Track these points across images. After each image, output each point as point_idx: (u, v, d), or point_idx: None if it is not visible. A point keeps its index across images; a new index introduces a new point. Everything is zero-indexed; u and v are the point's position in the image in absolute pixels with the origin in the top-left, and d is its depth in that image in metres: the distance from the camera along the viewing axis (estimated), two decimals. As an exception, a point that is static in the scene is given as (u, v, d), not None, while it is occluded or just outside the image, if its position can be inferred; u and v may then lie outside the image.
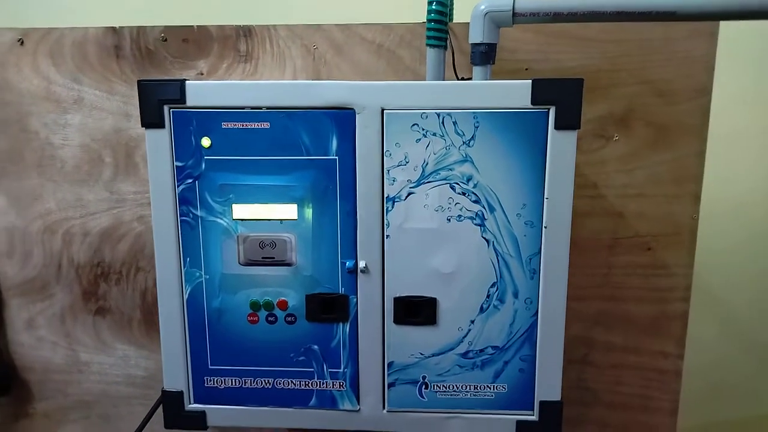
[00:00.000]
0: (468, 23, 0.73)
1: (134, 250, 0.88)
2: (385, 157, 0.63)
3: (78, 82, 0.83)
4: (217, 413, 0.71)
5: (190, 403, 0.71)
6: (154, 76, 0.82)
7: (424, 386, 0.68)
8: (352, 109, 0.63)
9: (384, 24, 0.79)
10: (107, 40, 0.82)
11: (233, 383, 0.70)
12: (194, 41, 0.81)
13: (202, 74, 0.82)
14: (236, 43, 0.81)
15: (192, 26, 0.81)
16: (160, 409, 0.75)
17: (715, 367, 1.18)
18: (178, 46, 0.81)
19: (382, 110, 0.62)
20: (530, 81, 0.60)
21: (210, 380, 0.70)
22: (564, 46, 0.77)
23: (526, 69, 0.78)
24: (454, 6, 0.77)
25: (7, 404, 0.94)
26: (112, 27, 0.82)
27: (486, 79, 0.70)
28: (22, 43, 0.83)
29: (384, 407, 0.69)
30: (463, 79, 0.76)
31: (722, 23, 0.75)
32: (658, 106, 0.78)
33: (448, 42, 0.72)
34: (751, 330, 1.18)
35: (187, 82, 0.63)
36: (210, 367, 0.70)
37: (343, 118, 0.63)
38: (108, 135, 0.84)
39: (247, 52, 0.81)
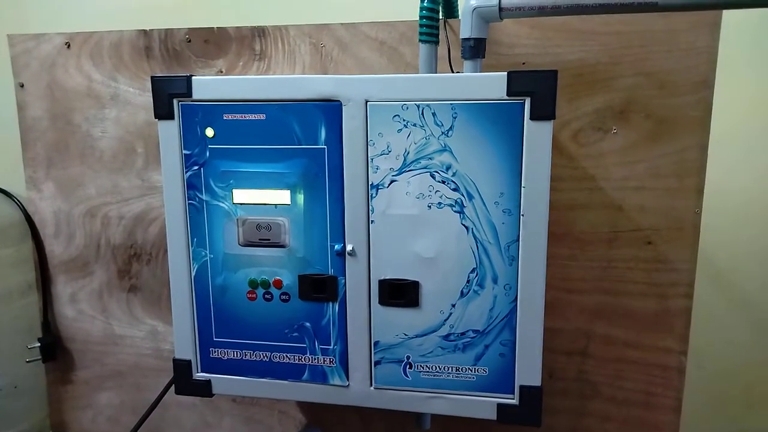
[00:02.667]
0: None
1: (163, 234, 0.96)
2: (369, 146, 0.67)
3: (114, 80, 0.92)
4: (221, 382, 0.77)
5: (197, 372, 0.77)
6: (181, 73, 0.89)
7: (408, 366, 0.72)
8: (338, 101, 0.67)
9: (386, 22, 0.82)
10: (139, 42, 0.90)
11: (235, 355, 0.76)
12: (215, 42, 0.88)
13: (221, 72, 0.89)
14: (252, 43, 0.87)
15: (212, 28, 0.88)
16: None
17: (752, 373, 1.13)
18: (200, 47, 0.89)
19: (366, 102, 0.66)
20: (506, 73, 0.63)
21: (215, 351, 0.76)
22: (563, 39, 0.78)
23: (523, 63, 0.80)
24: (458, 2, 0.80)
25: (54, 370, 1.05)
26: (143, 30, 0.90)
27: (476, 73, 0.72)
28: (68, 46, 0.93)
29: (371, 384, 0.73)
30: (458, 73, 0.78)
31: (725, 13, 0.73)
32: (659, 99, 0.78)
33: (442, 37, 0.75)
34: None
35: (193, 77, 0.70)
36: (215, 339, 0.76)
37: (330, 109, 0.67)
38: (140, 128, 0.93)
39: (261, 51, 0.87)
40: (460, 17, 0.72)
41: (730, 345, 1.14)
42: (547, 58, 0.79)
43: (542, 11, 0.68)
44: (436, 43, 0.74)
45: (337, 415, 0.97)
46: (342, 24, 0.84)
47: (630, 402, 0.86)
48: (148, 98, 0.92)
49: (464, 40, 0.72)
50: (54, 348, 1.03)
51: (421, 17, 0.73)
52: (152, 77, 0.71)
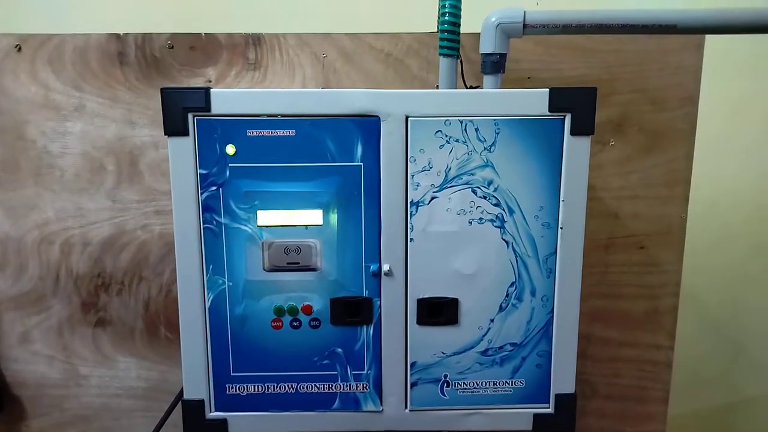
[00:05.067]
0: (471, 33, 0.77)
1: (137, 260, 0.86)
2: (409, 162, 0.65)
3: (79, 89, 0.82)
4: (239, 420, 0.71)
5: (211, 412, 0.70)
6: (160, 83, 0.81)
7: (445, 384, 0.70)
8: (377, 116, 0.64)
9: (392, 33, 0.81)
10: (110, 47, 0.81)
11: (256, 389, 0.70)
12: (202, 49, 0.81)
13: (210, 82, 0.82)
14: (245, 51, 0.81)
15: (200, 34, 0.81)
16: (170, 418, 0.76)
17: (694, 360, 1.25)
18: (185, 54, 0.81)
19: (407, 117, 0.64)
20: (547, 90, 0.64)
21: (232, 387, 0.70)
22: (565, 56, 0.81)
23: (529, 78, 0.82)
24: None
25: (-1, 422, 0.91)
26: (116, 34, 0.81)
27: (496, 88, 0.73)
28: (19, 49, 0.81)
29: (406, 407, 0.71)
30: (471, 87, 0.79)
31: (708, 36, 0.80)
32: (651, 113, 0.83)
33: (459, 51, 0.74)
34: (723, 325, 1.26)
35: (211, 90, 0.63)
36: (232, 374, 0.70)
37: (368, 125, 0.65)
38: (111, 143, 0.83)
39: (256, 60, 0.81)
40: (480, 31, 0.72)
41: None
42: (551, 74, 0.81)
43: (566, 29, 0.70)
44: (457, 57, 0.74)
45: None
46: (346, 34, 0.80)
47: (625, 397, 0.91)
48: (120, 110, 0.82)
49: (486, 55, 0.72)
50: (0, 398, 0.89)
51: (443, 31, 0.72)
52: (163, 89, 0.63)
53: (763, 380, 1.29)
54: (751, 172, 1.18)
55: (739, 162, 1.16)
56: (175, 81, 0.81)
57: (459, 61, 0.78)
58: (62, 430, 0.91)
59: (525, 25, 0.70)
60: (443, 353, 0.70)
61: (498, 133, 0.65)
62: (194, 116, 0.64)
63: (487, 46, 0.72)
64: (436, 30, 0.80)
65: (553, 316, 0.69)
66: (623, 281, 0.88)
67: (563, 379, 0.71)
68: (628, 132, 0.84)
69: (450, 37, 0.73)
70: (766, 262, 1.23)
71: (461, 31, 0.79)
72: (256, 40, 0.81)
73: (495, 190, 0.66)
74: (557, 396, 0.71)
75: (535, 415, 0.71)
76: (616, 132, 0.84)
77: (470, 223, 0.67)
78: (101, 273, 0.87)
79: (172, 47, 0.81)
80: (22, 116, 0.82)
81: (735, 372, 1.27)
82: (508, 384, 0.71)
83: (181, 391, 0.79)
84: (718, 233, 1.19)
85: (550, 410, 0.71)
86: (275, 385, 0.70)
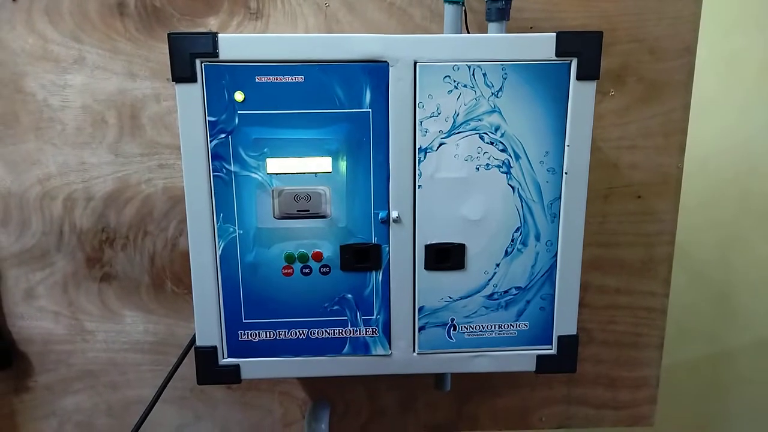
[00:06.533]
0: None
1: (141, 214, 0.86)
2: (417, 108, 0.66)
3: (78, 41, 0.80)
4: (251, 366, 0.72)
5: (223, 358, 0.72)
6: (161, 34, 0.80)
7: (452, 328, 0.72)
8: (385, 62, 0.65)
9: (395, -17, 0.80)
10: (109, -3, 0.79)
11: (267, 336, 0.72)
12: (202, -2, 0.80)
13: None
14: (246, 0, 0.80)
15: (200, -17, 0.80)
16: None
17: (682, 312, 1.29)
18: (185, 3, 0.80)
19: (415, 63, 0.65)
20: (555, 34, 0.64)
21: (244, 334, 0.71)
22: (567, 5, 0.81)
23: (531, 27, 0.82)
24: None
25: (6, 378, 0.91)
26: (115, -17, 0.79)
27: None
28: (14, -1, 0.79)
29: (414, 350, 0.73)
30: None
31: (707, -13, 0.81)
32: (650, 63, 0.84)
33: (463, -1, 0.74)
34: (710, 278, 1.30)
35: (219, 35, 0.63)
36: (244, 321, 0.71)
37: (376, 70, 0.65)
38: (112, 96, 0.82)
39: (257, 9, 0.80)
40: (484, -21, 0.72)
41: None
42: (553, 23, 0.82)
43: (571, -25, 0.70)
44: (462, 4, 0.74)
45: (343, 389, 0.95)
46: (349, -17, 0.80)
47: (620, 344, 0.94)
48: (121, 62, 0.81)
49: (492, 2, 0.72)
50: (8, 354, 0.89)
51: (448, -22, 0.72)
52: (170, 34, 0.63)
53: (747, 333, 1.34)
54: (744, 129, 1.20)
55: (731, 119, 1.18)
56: (176, 31, 0.80)
57: (463, 9, 0.78)
58: (69, 385, 0.92)
59: (530, -28, 0.71)
60: (450, 298, 0.71)
61: (505, 79, 0.65)
62: (202, 62, 0.64)
63: (493, -7, 0.72)
64: (439, -21, 0.80)
65: (556, 260, 0.71)
66: (620, 230, 0.90)
67: (565, 321, 0.73)
68: (628, 82, 0.85)
69: (455, -16, 0.72)
70: (755, 219, 1.26)
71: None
72: (257, -11, 0.80)
73: (502, 135, 0.67)
74: (560, 337, 0.73)
75: (539, 356, 0.74)
76: (616, 82, 0.85)
77: (477, 169, 0.68)
78: (105, 228, 0.87)
79: (172, -3, 0.80)
80: (19, 68, 0.81)
81: (720, 325, 1.31)
82: (513, 327, 0.73)
83: (190, 344, 0.81)
84: (709, 190, 1.22)
85: (553, 351, 0.74)
86: (287, 331, 0.71)
